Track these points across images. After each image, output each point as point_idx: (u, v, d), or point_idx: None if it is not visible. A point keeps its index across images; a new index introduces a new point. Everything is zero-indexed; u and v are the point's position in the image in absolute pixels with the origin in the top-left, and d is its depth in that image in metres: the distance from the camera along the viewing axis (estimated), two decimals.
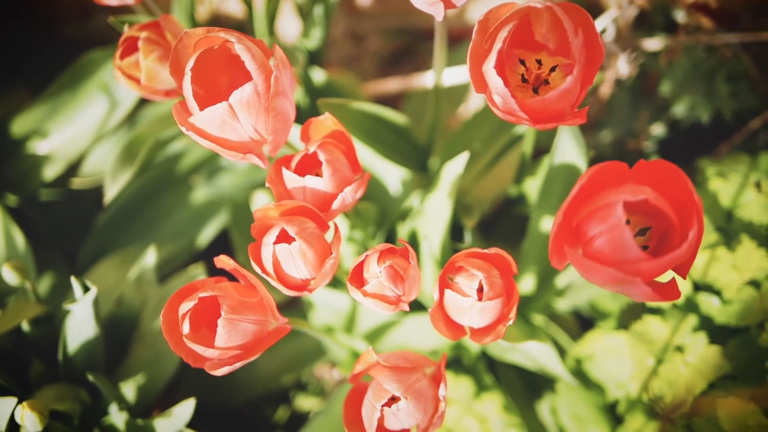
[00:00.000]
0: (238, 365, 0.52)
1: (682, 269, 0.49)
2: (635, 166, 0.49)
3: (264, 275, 0.53)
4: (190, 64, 0.51)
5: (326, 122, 0.58)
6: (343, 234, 0.76)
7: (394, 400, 0.53)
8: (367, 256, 0.54)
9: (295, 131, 0.64)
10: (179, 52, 0.53)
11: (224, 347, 0.52)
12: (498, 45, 0.48)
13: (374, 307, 0.54)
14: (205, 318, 0.53)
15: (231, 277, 0.56)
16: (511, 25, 0.49)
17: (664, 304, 0.73)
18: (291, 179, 0.56)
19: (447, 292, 0.54)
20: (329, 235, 0.56)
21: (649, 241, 0.51)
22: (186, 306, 0.52)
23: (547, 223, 0.71)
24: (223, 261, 0.54)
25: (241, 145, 0.53)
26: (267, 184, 0.56)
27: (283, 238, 0.53)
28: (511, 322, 0.53)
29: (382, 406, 0.52)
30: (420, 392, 0.53)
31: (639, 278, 0.44)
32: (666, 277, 0.49)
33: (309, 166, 0.57)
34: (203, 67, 0.52)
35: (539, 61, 0.52)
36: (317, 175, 0.56)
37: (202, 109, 0.51)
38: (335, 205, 0.56)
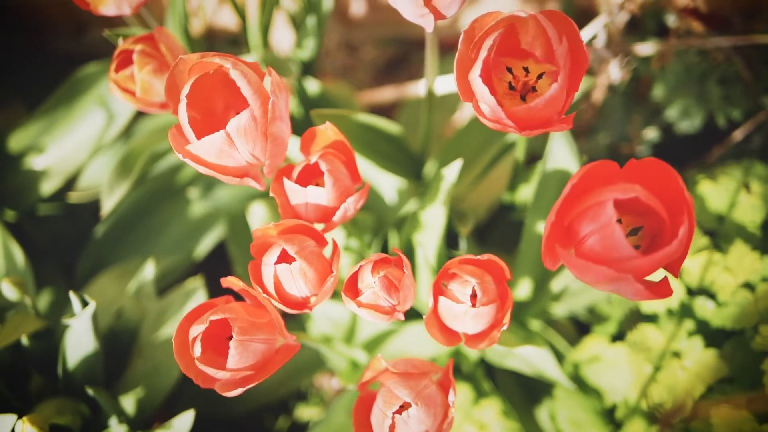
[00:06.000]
0: (249, 386, 0.52)
1: (674, 267, 0.49)
2: (626, 165, 0.49)
3: (265, 295, 0.53)
4: (186, 90, 0.50)
5: (327, 132, 0.57)
6: (340, 245, 0.76)
7: (403, 407, 0.53)
8: (361, 266, 0.54)
9: (294, 143, 0.64)
10: (175, 77, 0.52)
11: (236, 368, 0.51)
12: (483, 54, 0.49)
13: (369, 318, 0.54)
14: (214, 337, 0.52)
15: (230, 292, 0.56)
16: (496, 35, 0.49)
17: (660, 310, 0.73)
18: (293, 190, 0.56)
19: (441, 298, 0.54)
20: (327, 251, 0.55)
21: (641, 241, 0.50)
22: (197, 329, 0.51)
23: (541, 229, 0.71)
24: (231, 282, 0.53)
25: (237, 170, 0.53)
26: (271, 194, 0.56)
27: (284, 257, 0.53)
28: (505, 328, 0.53)
29: (393, 413, 0.52)
30: (430, 398, 0.53)
31: (631, 276, 0.44)
32: (657, 278, 0.49)
33: (310, 175, 0.57)
34: (199, 92, 0.52)
35: (526, 69, 0.52)
36: (318, 185, 0.56)
37: (198, 135, 0.50)
38: (337, 216, 0.55)
